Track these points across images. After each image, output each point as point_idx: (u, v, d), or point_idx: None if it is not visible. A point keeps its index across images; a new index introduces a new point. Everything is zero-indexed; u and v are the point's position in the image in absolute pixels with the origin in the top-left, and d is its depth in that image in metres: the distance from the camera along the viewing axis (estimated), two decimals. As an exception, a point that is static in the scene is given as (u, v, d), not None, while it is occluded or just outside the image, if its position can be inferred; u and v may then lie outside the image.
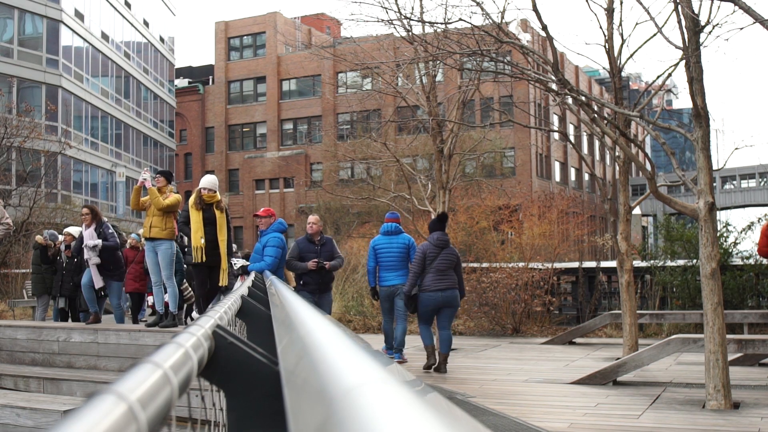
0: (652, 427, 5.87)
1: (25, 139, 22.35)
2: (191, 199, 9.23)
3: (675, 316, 11.86)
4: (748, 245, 13.39)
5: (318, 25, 54.58)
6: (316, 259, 9.06)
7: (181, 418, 1.24)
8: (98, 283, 10.36)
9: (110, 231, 10.52)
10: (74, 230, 12.10)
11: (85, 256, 10.43)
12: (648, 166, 7.32)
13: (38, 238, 13.25)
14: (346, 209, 32.92)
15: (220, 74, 49.46)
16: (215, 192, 9.23)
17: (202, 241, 9.02)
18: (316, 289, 9.13)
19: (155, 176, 9.53)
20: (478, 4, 8.71)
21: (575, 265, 15.13)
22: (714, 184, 7.17)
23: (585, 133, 42.97)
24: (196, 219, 9.12)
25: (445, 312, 8.75)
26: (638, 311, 10.63)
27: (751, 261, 12.77)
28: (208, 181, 9.33)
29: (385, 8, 11.23)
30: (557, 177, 45.36)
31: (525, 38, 11.39)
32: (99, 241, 10.31)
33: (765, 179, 55.35)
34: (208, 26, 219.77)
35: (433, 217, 11.14)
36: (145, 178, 9.29)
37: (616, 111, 8.17)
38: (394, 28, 11.39)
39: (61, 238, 12.56)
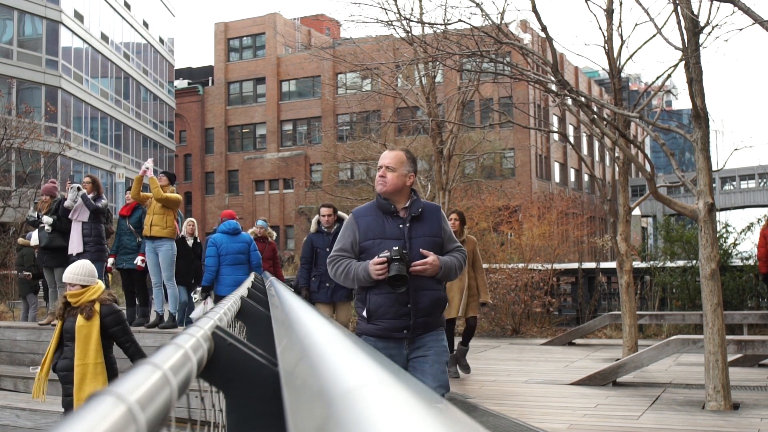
0: (651, 428, 5.87)
1: (24, 141, 22.36)
2: (56, 304, 6.48)
3: (675, 317, 11.85)
4: (747, 246, 13.39)
5: (317, 26, 54.61)
6: (383, 255, 3.77)
7: (181, 419, 1.23)
8: (76, 247, 9.42)
9: (103, 200, 9.78)
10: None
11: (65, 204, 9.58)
12: (647, 167, 7.32)
13: (20, 240, 13.24)
14: (346, 210, 32.88)
15: (220, 75, 49.47)
16: (87, 286, 5.78)
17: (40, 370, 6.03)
18: (404, 328, 3.89)
19: (160, 175, 9.49)
20: (477, 5, 8.71)
21: (575, 266, 15.12)
22: (713, 185, 7.16)
23: (584, 134, 42.97)
24: (55, 333, 5.97)
25: None
26: (638, 312, 10.62)
27: (751, 262, 12.75)
28: (72, 274, 5.80)
29: (385, 9, 11.26)
30: (557, 178, 45.36)
31: (525, 39, 11.39)
32: (83, 190, 9.48)
33: (764, 180, 55.37)
34: (207, 27, 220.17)
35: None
36: (147, 167, 9.21)
37: (615, 112, 8.17)
38: (394, 29, 11.41)
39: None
